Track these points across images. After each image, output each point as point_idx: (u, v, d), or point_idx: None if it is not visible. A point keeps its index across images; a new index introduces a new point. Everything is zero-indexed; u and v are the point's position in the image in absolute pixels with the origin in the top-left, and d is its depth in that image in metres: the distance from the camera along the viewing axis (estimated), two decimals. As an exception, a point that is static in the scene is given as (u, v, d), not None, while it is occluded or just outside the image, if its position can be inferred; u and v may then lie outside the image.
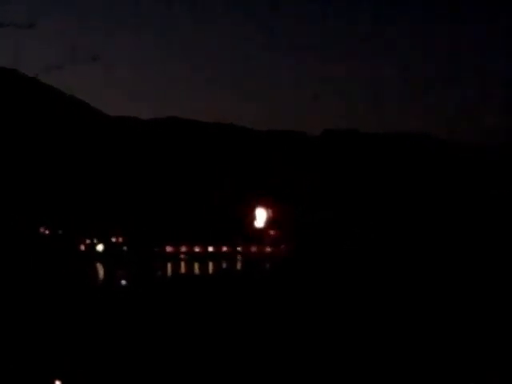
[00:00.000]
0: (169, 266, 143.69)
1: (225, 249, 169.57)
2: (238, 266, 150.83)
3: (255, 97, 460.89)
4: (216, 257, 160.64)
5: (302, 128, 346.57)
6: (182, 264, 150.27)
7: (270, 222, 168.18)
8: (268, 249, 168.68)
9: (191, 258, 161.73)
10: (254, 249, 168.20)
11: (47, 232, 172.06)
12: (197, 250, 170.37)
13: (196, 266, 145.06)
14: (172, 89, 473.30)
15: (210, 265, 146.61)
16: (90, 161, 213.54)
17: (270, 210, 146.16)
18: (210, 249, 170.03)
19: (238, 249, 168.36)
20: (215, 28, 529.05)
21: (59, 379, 46.05)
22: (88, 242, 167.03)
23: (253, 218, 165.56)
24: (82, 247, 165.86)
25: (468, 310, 63.64)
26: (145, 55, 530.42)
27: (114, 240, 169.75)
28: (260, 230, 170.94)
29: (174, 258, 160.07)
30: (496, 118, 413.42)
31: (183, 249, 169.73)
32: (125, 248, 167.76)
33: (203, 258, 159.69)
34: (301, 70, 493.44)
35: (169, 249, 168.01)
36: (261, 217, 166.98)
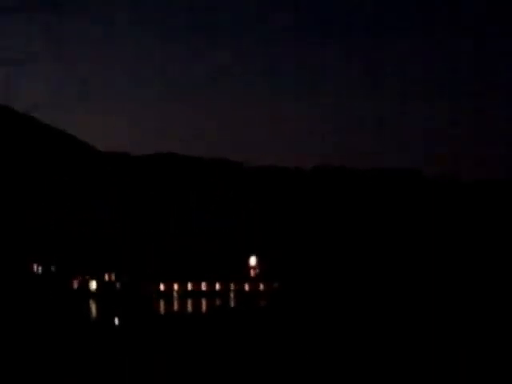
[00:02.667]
0: (161, 303, 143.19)
1: (218, 286, 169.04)
2: (232, 303, 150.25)
3: (245, 133, 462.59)
4: (209, 294, 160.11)
5: (293, 163, 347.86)
6: (175, 302, 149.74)
7: (262, 259, 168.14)
8: (261, 286, 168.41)
9: (184, 295, 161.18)
10: (247, 286, 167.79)
11: (39, 269, 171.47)
12: (189, 287, 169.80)
13: (189, 303, 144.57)
14: (164, 125, 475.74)
15: (203, 302, 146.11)
16: (83, 196, 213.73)
17: (262, 248, 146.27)
18: (203, 286, 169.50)
19: (231, 286, 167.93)
20: (201, 67, 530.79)
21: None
22: (80, 278, 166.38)
23: (246, 254, 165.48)
24: (75, 284, 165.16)
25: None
26: (136, 91, 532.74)
27: (106, 277, 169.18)
28: (253, 267, 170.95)
29: (167, 295, 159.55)
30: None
31: (176, 286, 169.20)
32: (118, 285, 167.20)
33: (196, 295, 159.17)
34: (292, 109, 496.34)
35: (162, 286, 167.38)
36: (254, 254, 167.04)
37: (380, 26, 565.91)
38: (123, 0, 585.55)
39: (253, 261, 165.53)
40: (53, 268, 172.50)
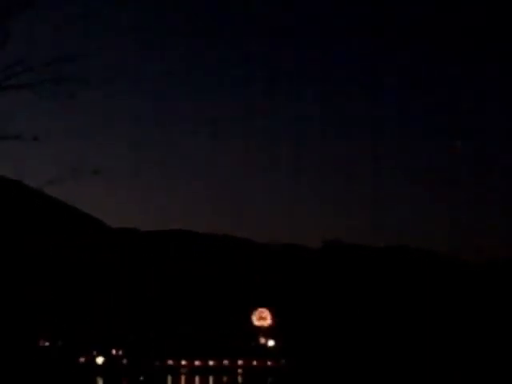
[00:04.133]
0: (169, 379, 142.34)
1: (225, 362, 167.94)
2: (240, 379, 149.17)
3: (255, 210, 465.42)
4: (217, 370, 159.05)
5: (302, 241, 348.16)
6: (183, 378, 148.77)
7: (270, 334, 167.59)
8: (269, 362, 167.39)
9: (191, 371, 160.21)
10: (254, 362, 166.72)
11: (46, 344, 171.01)
12: (197, 363, 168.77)
13: (196, 379, 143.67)
14: (173, 202, 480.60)
15: (211, 379, 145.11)
16: (91, 272, 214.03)
17: (270, 322, 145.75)
18: (211, 362, 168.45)
19: (239, 362, 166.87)
20: (209, 144, 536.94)
21: None
22: (88, 354, 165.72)
23: (253, 330, 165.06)
24: (82, 359, 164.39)
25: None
26: (145, 169, 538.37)
27: (113, 352, 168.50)
28: (261, 344, 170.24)
29: (175, 371, 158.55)
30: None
31: (183, 362, 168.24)
32: (125, 361, 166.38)
33: (204, 371, 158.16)
34: (300, 188, 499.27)
35: (169, 362, 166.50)
36: (261, 329, 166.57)
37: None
38: (135, 76, 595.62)
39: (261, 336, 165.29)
40: (60, 343, 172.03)
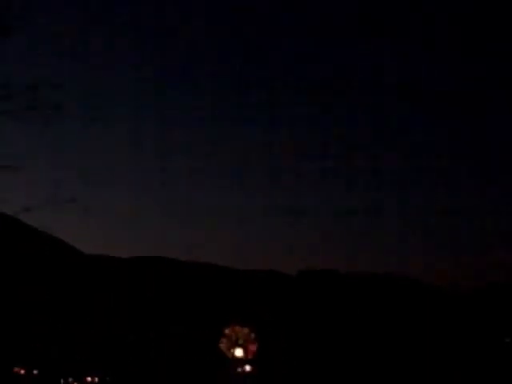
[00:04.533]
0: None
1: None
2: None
3: (231, 236, 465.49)
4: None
5: (278, 268, 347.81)
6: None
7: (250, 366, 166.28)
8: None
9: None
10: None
11: (22, 372, 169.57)
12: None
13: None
14: (147, 228, 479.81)
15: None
16: (66, 299, 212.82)
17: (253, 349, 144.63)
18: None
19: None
20: (188, 165, 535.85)
21: None
22: (63, 381, 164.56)
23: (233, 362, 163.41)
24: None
25: None
26: (122, 198, 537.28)
27: (89, 379, 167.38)
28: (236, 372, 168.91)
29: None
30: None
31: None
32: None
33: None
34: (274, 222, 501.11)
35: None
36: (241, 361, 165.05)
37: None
38: (120, 100, 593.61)
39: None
40: (35, 371, 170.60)
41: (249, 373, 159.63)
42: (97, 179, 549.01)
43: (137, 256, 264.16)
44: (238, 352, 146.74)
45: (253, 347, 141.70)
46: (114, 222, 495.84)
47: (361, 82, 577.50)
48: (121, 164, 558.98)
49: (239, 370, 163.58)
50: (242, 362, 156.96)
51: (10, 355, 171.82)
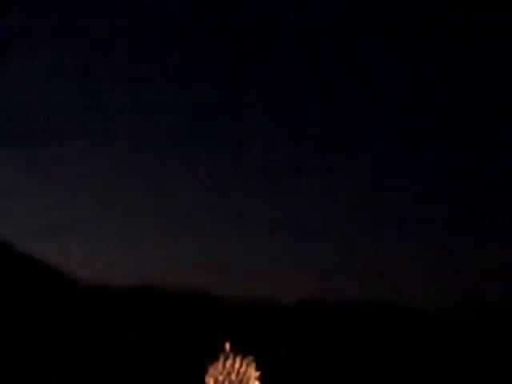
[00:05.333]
0: None
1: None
2: None
3: (227, 265, 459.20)
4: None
5: (276, 297, 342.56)
6: None
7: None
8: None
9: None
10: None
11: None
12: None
13: None
14: (144, 257, 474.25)
15: None
16: (58, 330, 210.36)
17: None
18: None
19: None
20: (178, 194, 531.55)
21: None
22: None
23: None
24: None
25: None
26: (116, 224, 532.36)
27: None
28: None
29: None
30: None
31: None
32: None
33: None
34: (275, 249, 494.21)
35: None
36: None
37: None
38: (112, 120, 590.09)
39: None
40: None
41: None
42: (95, 205, 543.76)
43: (131, 285, 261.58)
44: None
45: None
46: (107, 247, 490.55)
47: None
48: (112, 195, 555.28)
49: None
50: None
51: (8, 357, 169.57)
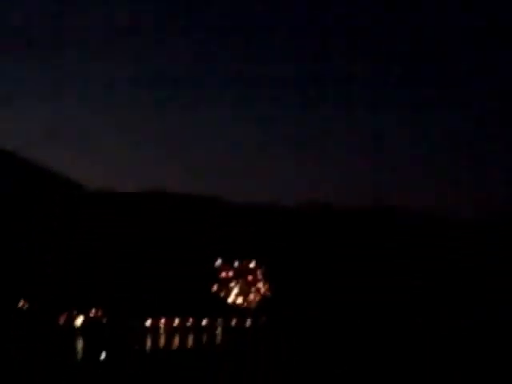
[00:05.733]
0: (148, 339, 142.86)
1: (205, 321, 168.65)
2: (218, 338, 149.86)
3: (229, 171, 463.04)
4: (196, 329, 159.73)
5: (276, 200, 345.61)
6: (162, 337, 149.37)
7: (251, 294, 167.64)
8: (249, 321, 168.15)
9: (171, 330, 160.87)
10: (234, 321, 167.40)
11: (25, 305, 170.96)
12: (176, 322, 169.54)
13: (176, 339, 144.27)
14: (150, 163, 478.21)
15: (190, 338, 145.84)
16: (69, 232, 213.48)
17: (252, 283, 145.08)
18: (190, 321, 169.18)
19: (218, 321, 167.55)
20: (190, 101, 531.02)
21: None
22: (67, 314, 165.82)
23: (234, 290, 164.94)
24: (61, 320, 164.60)
25: None
26: (123, 131, 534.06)
27: (93, 312, 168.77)
28: (240, 303, 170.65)
29: (154, 330, 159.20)
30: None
31: (162, 321, 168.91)
32: (104, 321, 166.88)
33: (183, 330, 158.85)
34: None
35: (148, 321, 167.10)
36: (242, 289, 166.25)
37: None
38: (121, 36, 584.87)
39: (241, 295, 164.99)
40: (38, 304, 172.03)
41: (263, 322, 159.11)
42: (96, 112, 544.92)
43: (138, 191, 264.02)
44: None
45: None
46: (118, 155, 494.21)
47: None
48: (121, 98, 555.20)
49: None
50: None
51: (12, 288, 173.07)
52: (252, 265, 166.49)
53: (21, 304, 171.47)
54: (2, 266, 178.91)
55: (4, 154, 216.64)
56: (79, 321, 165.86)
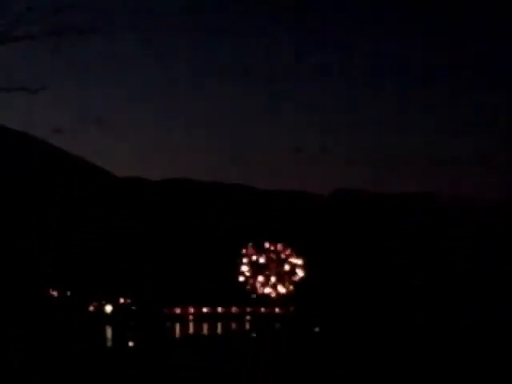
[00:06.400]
0: (177, 327, 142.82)
1: (234, 309, 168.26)
2: (247, 326, 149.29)
3: (256, 158, 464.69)
4: (225, 317, 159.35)
5: (309, 188, 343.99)
6: (191, 325, 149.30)
7: (280, 282, 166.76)
8: (277, 309, 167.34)
9: (200, 318, 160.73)
10: (263, 309, 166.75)
11: (56, 294, 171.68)
12: (205, 310, 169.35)
13: (205, 327, 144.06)
14: (176, 151, 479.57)
15: (219, 326, 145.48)
16: (99, 222, 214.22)
17: (281, 271, 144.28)
18: (219, 309, 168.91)
19: (248, 309, 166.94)
20: (216, 88, 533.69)
21: None
22: (96, 303, 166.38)
23: (263, 278, 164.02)
24: (91, 308, 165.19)
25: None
26: (149, 119, 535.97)
27: (122, 301, 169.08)
28: (269, 291, 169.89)
29: (183, 318, 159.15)
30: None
31: (191, 310, 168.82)
32: (133, 309, 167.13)
33: (212, 318, 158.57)
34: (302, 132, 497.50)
35: (177, 310, 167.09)
36: (270, 277, 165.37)
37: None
38: (143, 26, 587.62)
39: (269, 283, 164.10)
40: (68, 293, 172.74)
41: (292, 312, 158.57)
42: (123, 101, 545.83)
43: (165, 179, 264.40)
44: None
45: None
46: (145, 144, 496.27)
47: None
48: (148, 84, 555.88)
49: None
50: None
51: (43, 278, 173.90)
52: (286, 252, 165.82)
53: (51, 292, 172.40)
54: (33, 254, 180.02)
55: (36, 141, 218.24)
56: (108, 309, 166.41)
